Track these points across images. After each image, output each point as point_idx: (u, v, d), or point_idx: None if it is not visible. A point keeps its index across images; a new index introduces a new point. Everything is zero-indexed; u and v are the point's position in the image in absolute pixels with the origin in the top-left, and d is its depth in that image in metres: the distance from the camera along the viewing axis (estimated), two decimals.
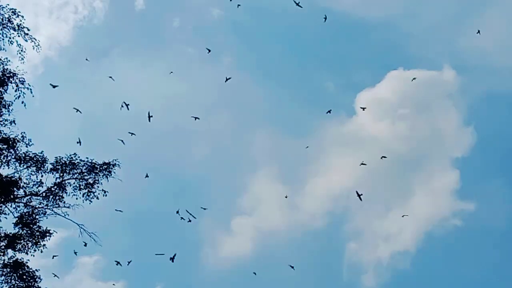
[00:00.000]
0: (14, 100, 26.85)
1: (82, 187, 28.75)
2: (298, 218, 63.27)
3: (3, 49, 26.67)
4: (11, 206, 27.78)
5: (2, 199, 27.37)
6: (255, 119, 72.45)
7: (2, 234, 27.27)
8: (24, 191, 28.01)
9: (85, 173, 28.68)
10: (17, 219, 27.61)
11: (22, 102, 26.92)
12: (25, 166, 27.89)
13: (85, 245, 30.15)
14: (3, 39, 26.83)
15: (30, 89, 26.90)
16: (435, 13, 74.14)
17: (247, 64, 76.49)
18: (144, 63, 70.14)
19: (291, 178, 64.60)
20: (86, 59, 50.76)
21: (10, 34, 26.96)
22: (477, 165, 68.92)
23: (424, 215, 62.38)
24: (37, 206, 28.12)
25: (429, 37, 74.99)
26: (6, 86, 26.47)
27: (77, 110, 38.68)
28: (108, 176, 28.93)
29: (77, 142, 31.88)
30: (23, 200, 28.01)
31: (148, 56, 71.18)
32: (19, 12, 26.72)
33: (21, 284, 27.16)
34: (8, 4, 26.58)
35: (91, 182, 28.78)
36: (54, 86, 37.16)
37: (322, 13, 74.10)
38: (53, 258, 35.73)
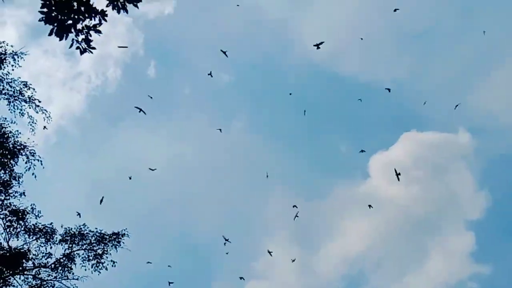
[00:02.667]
0: (25, 172, 26.98)
1: (91, 258, 28.45)
2: (313, 281, 62.09)
3: (14, 122, 26.98)
4: (19, 279, 27.48)
5: (11, 272, 27.07)
6: (268, 182, 72.10)
7: None
8: (33, 263, 27.77)
9: (94, 244, 28.44)
10: None
11: (33, 174, 27.02)
12: (34, 238, 27.74)
13: None
14: (14, 111, 27.18)
15: (41, 161, 27.05)
16: (442, 74, 74.66)
17: (259, 127, 76.90)
18: (156, 129, 70.81)
19: (305, 241, 63.80)
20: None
21: (22, 106, 27.34)
22: (492, 228, 67.91)
23: (440, 278, 60.98)
24: (46, 278, 27.78)
25: (439, 98, 75.22)
26: (16, 158, 26.64)
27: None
28: (117, 246, 28.64)
29: (77, 215, 31.67)
30: (31, 272, 27.72)
31: (160, 122, 71.89)
32: (30, 84, 27.25)
33: None
34: (19, 77, 27.12)
35: (100, 252, 28.49)
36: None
37: (330, 77, 75.18)
38: None
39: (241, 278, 43.64)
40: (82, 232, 28.38)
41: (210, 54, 70.31)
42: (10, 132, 26.51)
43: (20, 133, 26.87)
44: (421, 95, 75.10)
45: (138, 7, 11.03)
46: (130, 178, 38.82)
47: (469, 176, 67.26)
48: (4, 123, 26.56)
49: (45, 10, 11.02)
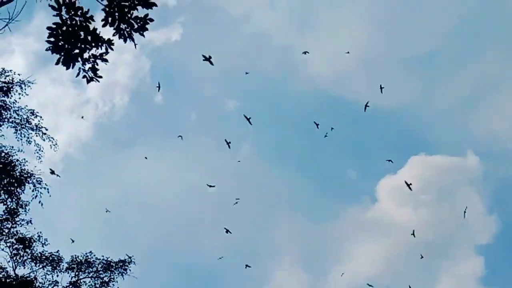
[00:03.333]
0: (31, 200, 26.99)
1: (97, 285, 28.28)
2: None
3: (21, 150, 27.06)
4: None
5: None
6: (276, 206, 71.93)
7: None
8: None
9: (100, 272, 28.30)
10: None
11: (39, 202, 27.00)
12: (40, 266, 27.64)
13: None
14: (21, 139, 27.27)
15: (47, 189, 27.07)
16: (448, 97, 74.72)
17: (267, 152, 76.90)
18: (163, 155, 70.87)
19: (314, 266, 63.29)
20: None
21: (29, 134, 27.44)
22: (502, 253, 67.29)
23: None
24: None
25: (445, 121, 75.21)
26: (23, 187, 26.67)
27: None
28: (123, 273, 28.47)
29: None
30: None
31: (167, 147, 72.00)
32: (37, 112, 27.39)
33: None
34: (26, 106, 27.27)
35: (107, 280, 28.33)
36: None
37: (335, 101, 75.30)
38: None
39: None
40: (89, 259, 28.27)
41: (217, 80, 70.72)
42: (17, 160, 26.61)
43: (27, 161, 26.99)
44: (428, 119, 75.15)
45: (144, 36, 11.10)
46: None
47: (478, 200, 66.90)
48: (11, 152, 26.69)
49: (52, 39, 11.10)
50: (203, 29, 73.94)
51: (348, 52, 44.30)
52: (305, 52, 41.20)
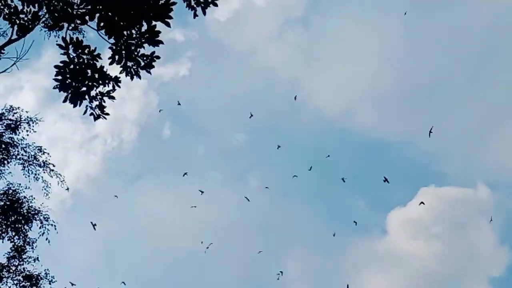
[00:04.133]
0: (38, 237, 26.87)
1: None
2: None
3: (29, 187, 27.07)
4: None
5: None
6: (285, 239, 71.32)
7: None
8: None
9: None
10: None
11: (46, 239, 26.89)
12: None
13: None
14: (29, 176, 27.30)
15: (55, 226, 26.98)
16: (455, 129, 74.56)
17: (275, 184, 76.60)
18: (170, 189, 70.73)
19: None
20: (115, 196, 51.23)
21: (36, 171, 27.47)
22: None
23: None
24: None
25: (454, 153, 74.90)
26: (30, 224, 26.59)
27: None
28: None
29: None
30: None
31: (175, 182, 71.91)
32: (44, 149, 27.47)
33: None
34: (34, 142, 27.36)
35: None
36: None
37: (341, 134, 75.33)
38: None
39: None
40: None
41: (224, 113, 71.00)
42: (24, 197, 26.62)
43: (34, 198, 26.97)
44: (436, 150, 74.85)
45: (150, 73, 11.14)
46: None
47: (490, 231, 66.17)
48: (18, 189, 26.72)
49: (59, 77, 11.14)
50: (211, 63, 74.52)
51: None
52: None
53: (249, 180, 71.13)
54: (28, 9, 12.28)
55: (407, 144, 76.01)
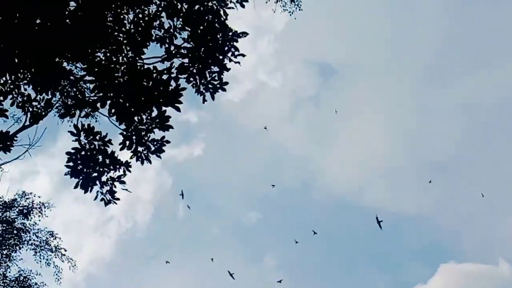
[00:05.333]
0: None
1: None
2: None
3: (39, 274, 26.78)
4: None
5: None
6: None
7: None
8: None
9: None
10: None
11: None
12: None
13: None
14: (40, 261, 27.05)
15: None
16: (470, 203, 73.76)
17: (291, 263, 75.31)
18: (185, 269, 69.76)
19: None
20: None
21: (48, 256, 27.24)
22: None
23: None
24: None
25: (471, 228, 73.84)
26: None
27: None
28: None
29: None
30: None
31: (189, 261, 70.99)
32: (56, 234, 27.33)
33: None
34: (46, 228, 27.29)
35: None
36: None
37: (354, 211, 74.72)
38: None
39: None
40: None
41: (237, 192, 70.91)
42: (36, 283, 26.29)
43: (45, 284, 26.61)
44: (452, 225, 73.80)
45: (161, 157, 11.17)
46: None
47: None
48: (29, 275, 26.41)
49: (71, 164, 11.19)
50: (224, 143, 75.23)
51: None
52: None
53: (264, 259, 70.10)
54: (41, 97, 12.47)
55: (422, 219, 75.14)
